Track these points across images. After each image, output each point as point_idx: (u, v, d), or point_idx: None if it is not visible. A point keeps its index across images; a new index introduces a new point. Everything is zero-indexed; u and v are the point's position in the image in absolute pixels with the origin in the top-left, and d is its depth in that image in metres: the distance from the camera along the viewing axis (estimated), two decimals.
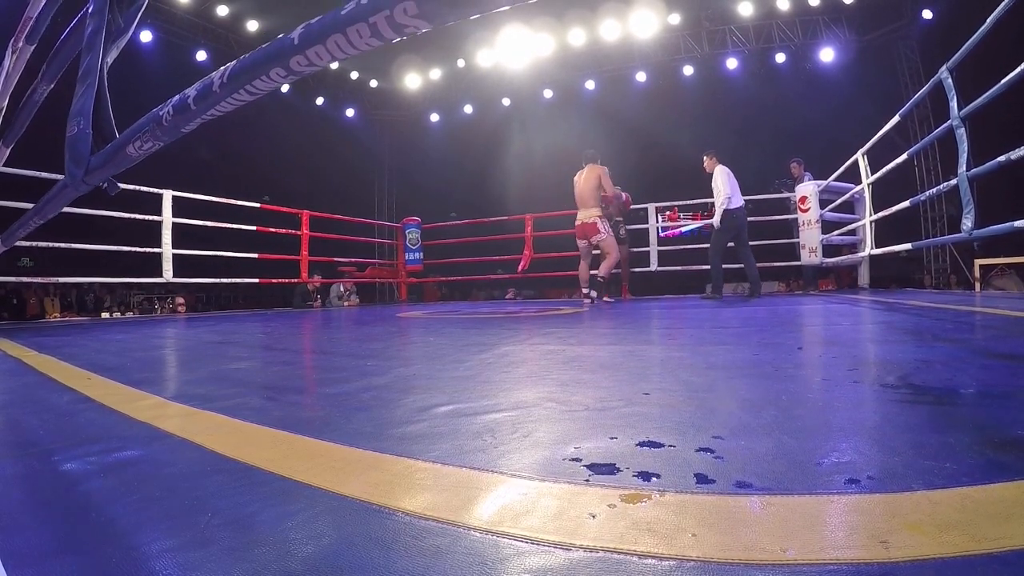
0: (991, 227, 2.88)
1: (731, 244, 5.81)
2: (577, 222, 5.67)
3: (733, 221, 5.66)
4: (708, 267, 6.19)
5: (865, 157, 5.31)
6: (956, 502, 0.52)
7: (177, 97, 1.20)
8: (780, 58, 10.64)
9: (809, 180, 6.53)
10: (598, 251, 5.59)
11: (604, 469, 0.66)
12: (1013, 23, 2.72)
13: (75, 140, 1.57)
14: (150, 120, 1.28)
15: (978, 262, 7.23)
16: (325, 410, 1.10)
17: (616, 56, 11.54)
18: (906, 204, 4.39)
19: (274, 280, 7.81)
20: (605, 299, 5.48)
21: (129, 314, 10.28)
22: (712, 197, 5.85)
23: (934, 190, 4.05)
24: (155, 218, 5.62)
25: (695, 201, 7.48)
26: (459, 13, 0.78)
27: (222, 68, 1.09)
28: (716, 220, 5.67)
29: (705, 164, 5.97)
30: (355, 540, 0.51)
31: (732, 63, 10.94)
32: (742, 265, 5.84)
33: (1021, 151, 2.53)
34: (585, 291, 5.63)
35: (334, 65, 11.65)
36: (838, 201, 6.13)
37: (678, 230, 7.17)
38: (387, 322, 3.91)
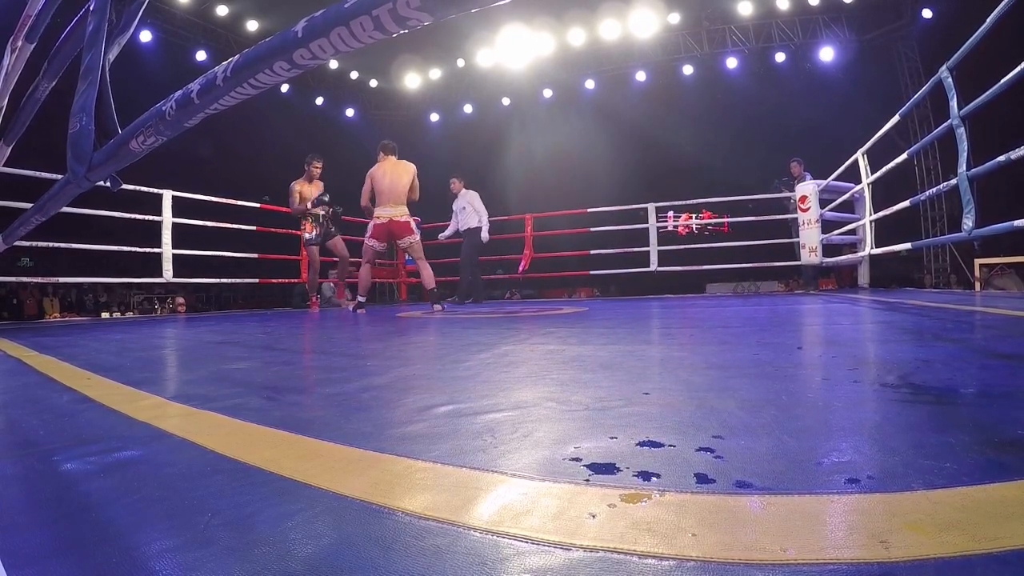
0: (991, 227, 2.88)
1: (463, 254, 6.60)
2: (383, 220, 4.92)
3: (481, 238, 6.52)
4: (706, 267, 6.61)
5: (865, 157, 5.31)
6: (956, 502, 0.52)
7: (180, 91, 1.19)
8: (780, 58, 10.65)
9: (809, 180, 6.54)
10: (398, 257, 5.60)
11: (604, 469, 0.66)
12: (1013, 23, 2.72)
13: (77, 137, 1.57)
14: (153, 115, 1.28)
15: (978, 262, 7.24)
16: (325, 410, 1.10)
17: (616, 56, 11.55)
18: (906, 204, 4.39)
19: (274, 280, 7.80)
20: (437, 307, 4.90)
21: (129, 314, 10.28)
22: (451, 216, 6.82)
23: (934, 190, 4.05)
24: (155, 218, 5.62)
25: (693, 201, 7.52)
26: (461, 6, 0.78)
27: (226, 62, 1.09)
28: (485, 236, 6.55)
29: (452, 187, 6.77)
30: (355, 540, 0.51)
31: (732, 63, 10.95)
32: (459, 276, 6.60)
33: (1021, 151, 2.53)
34: (362, 299, 5.16)
35: (334, 64, 11.69)
36: (838, 201, 6.13)
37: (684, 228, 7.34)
38: (386, 322, 3.91)
